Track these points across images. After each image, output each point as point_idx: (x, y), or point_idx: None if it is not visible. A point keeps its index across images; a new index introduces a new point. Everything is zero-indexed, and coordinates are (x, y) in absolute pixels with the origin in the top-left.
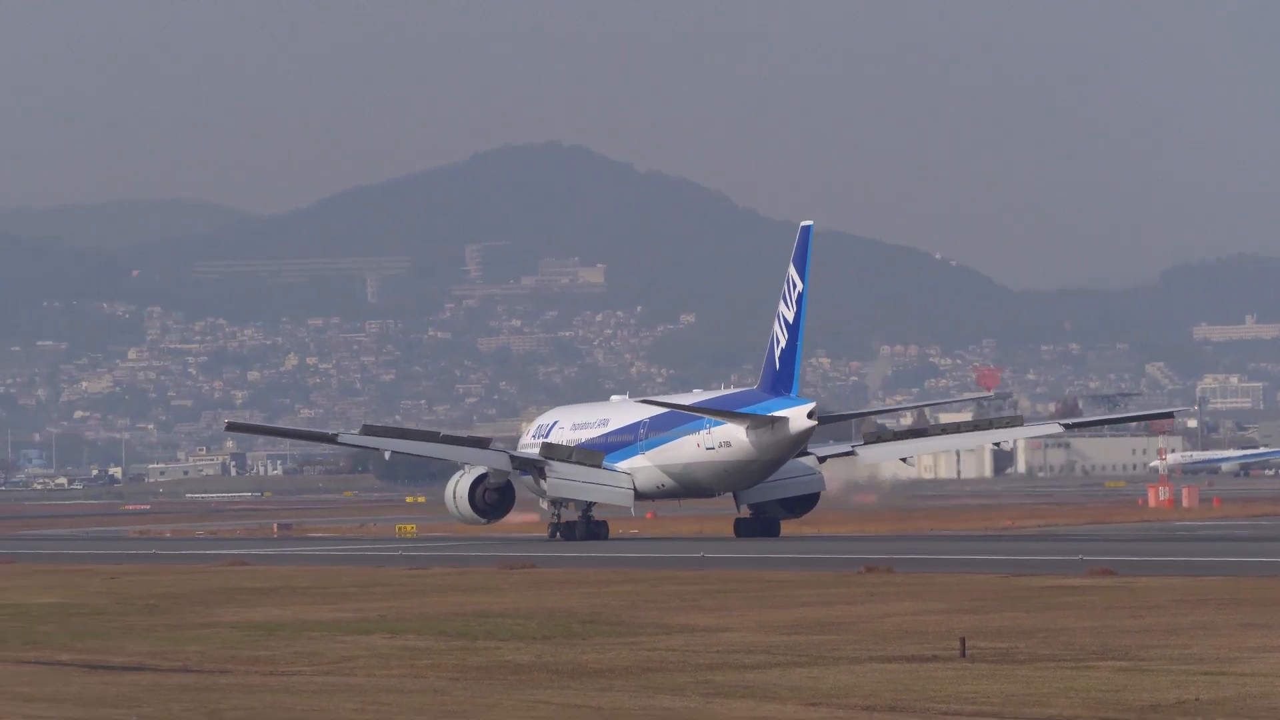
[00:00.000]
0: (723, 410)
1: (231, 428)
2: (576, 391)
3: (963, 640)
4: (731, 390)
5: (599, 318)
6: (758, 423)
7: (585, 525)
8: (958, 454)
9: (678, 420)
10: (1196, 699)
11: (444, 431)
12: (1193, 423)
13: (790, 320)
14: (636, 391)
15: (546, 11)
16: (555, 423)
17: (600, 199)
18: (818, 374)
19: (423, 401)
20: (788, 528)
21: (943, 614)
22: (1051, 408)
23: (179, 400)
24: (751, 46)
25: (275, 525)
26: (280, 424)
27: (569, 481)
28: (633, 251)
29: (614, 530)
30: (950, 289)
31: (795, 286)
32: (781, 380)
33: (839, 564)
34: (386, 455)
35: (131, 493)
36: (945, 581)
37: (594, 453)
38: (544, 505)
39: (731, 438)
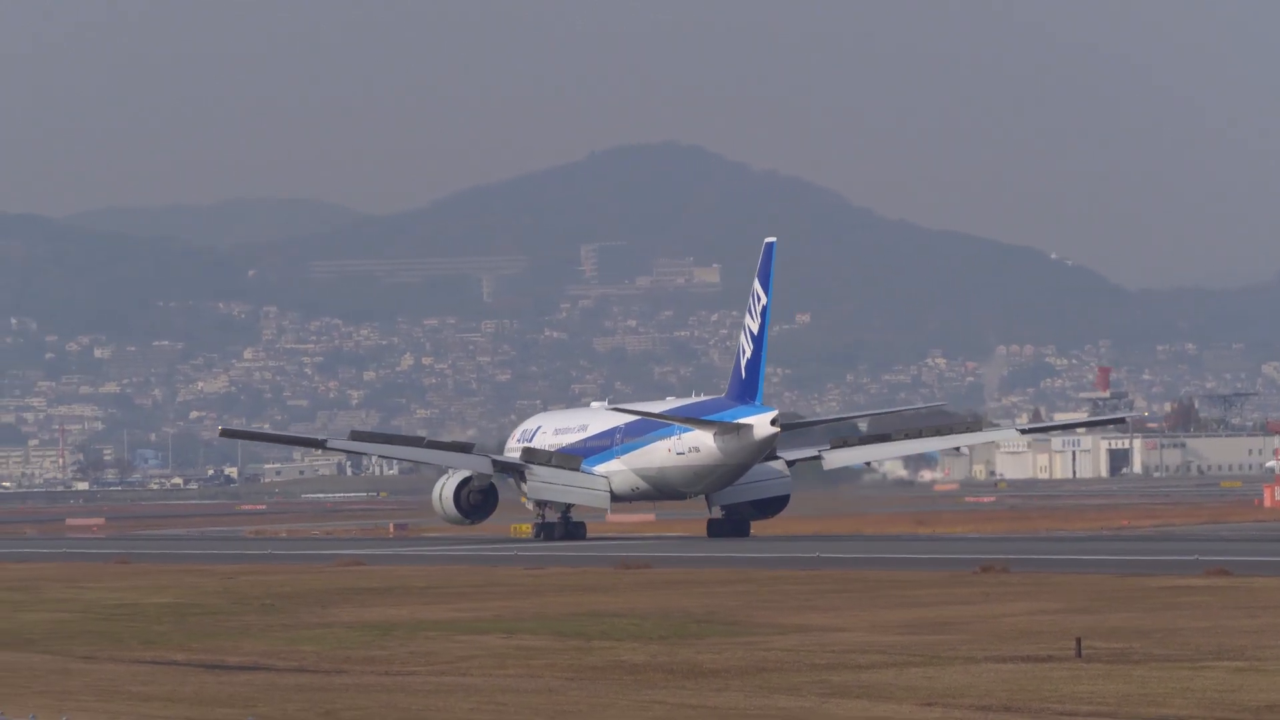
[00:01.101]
0: (691, 417)
1: (225, 434)
2: (693, 391)
3: (1078, 640)
4: (702, 398)
5: (714, 317)
6: (724, 429)
7: (564, 526)
8: (1074, 454)
9: (651, 427)
10: None
11: (428, 437)
12: None
13: (755, 332)
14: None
15: (664, 11)
16: (539, 428)
17: (716, 199)
18: (934, 374)
19: (538, 402)
20: (758, 528)
21: (1058, 614)
22: (1167, 407)
23: (295, 400)
24: (866, 47)
25: (391, 525)
26: (395, 425)
27: (548, 484)
28: (748, 251)
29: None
30: (1066, 288)
31: (760, 300)
32: (747, 389)
33: (954, 564)
34: (373, 459)
35: (247, 493)
36: (1061, 581)
37: (572, 457)
38: (529, 507)
39: (700, 443)
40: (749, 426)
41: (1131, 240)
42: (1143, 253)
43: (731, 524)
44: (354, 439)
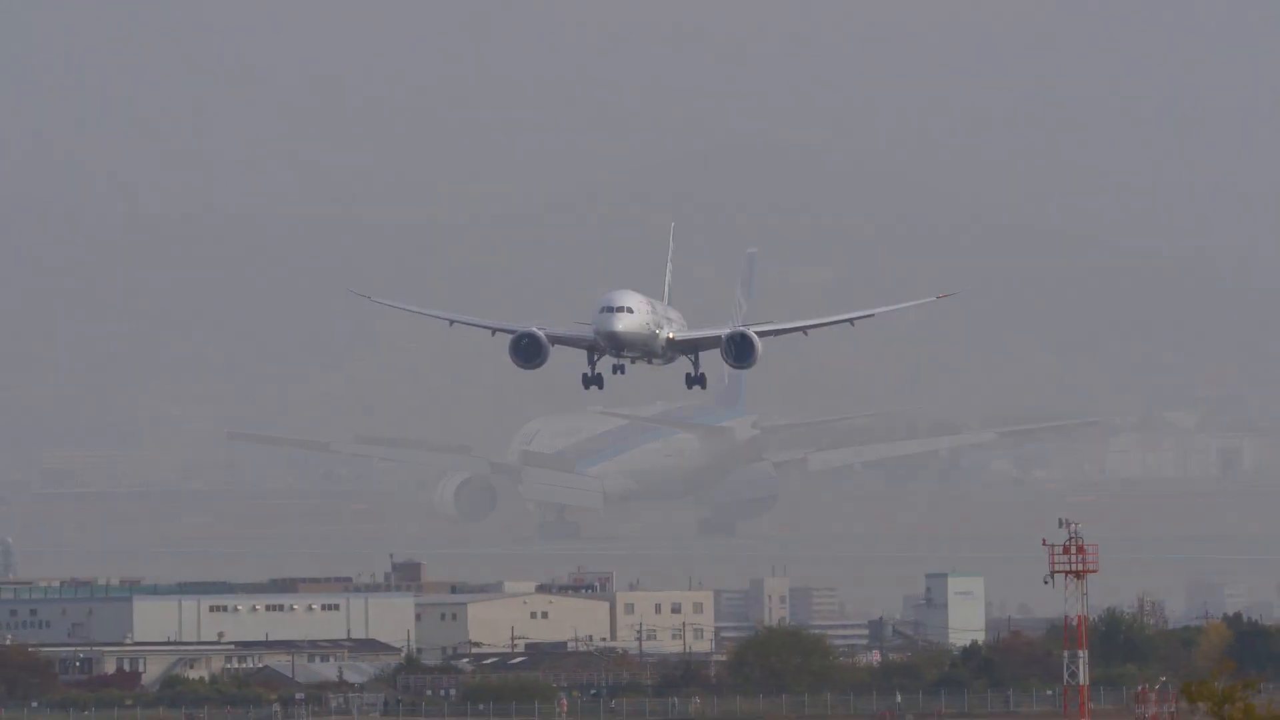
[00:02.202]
0: (678, 421)
1: (232, 437)
2: (804, 391)
3: None
4: (689, 403)
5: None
6: (708, 432)
7: (559, 525)
8: (1185, 453)
9: (641, 430)
10: None
11: (428, 441)
12: None
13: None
14: (858, 392)
15: (771, 12)
16: (538, 431)
17: (825, 198)
18: (1045, 372)
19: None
20: (747, 528)
21: None
22: None
23: (411, 401)
24: (965, 49)
25: None
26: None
27: (544, 485)
28: (860, 251)
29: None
30: (1179, 286)
31: (741, 308)
32: (731, 393)
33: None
34: (376, 461)
35: None
36: (1162, 582)
37: (567, 459)
38: (530, 508)
39: (686, 446)
40: (731, 429)
41: (1245, 237)
42: (1257, 250)
43: (720, 524)
44: (357, 441)
